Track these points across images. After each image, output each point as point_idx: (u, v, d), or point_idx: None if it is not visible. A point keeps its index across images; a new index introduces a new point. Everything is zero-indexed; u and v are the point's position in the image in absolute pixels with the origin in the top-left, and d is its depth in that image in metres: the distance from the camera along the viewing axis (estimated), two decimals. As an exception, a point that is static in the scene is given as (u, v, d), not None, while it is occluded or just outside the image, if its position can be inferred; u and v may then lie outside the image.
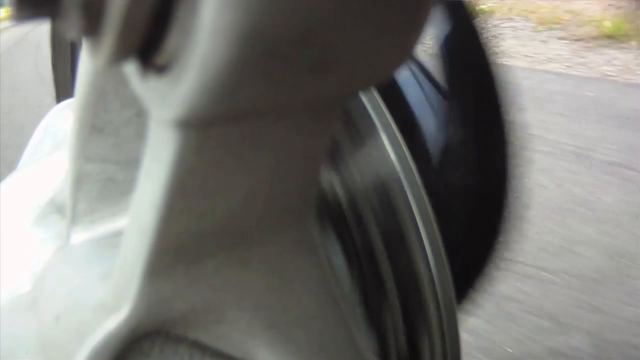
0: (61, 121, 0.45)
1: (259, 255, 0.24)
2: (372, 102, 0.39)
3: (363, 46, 0.17)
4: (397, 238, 0.37)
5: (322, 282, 0.27)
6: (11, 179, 0.40)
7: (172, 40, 0.16)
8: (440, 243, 0.37)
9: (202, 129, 0.18)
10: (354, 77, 0.18)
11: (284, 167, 0.22)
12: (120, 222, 0.33)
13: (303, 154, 0.22)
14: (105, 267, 0.29)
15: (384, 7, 0.16)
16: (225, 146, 0.19)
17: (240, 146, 0.20)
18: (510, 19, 4.49)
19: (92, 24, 0.16)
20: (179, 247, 0.23)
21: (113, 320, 0.25)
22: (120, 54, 0.16)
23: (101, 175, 0.32)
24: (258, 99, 0.17)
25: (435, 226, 0.37)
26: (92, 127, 0.30)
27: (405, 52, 0.18)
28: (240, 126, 0.19)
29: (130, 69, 0.19)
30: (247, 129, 0.19)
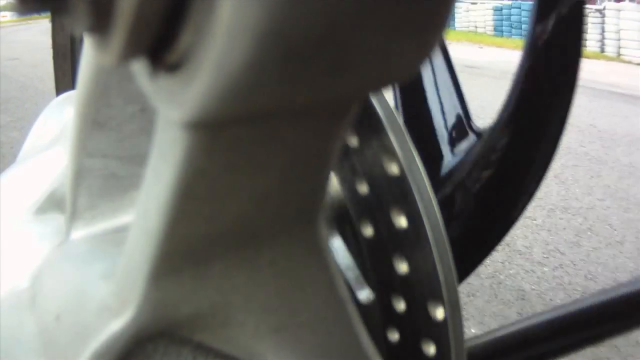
0: (61, 114, 0.44)
1: (268, 258, 0.24)
2: (379, 100, 0.39)
3: (382, 46, 0.16)
4: (405, 234, 0.37)
5: (330, 285, 0.26)
6: (10, 172, 0.39)
7: (185, 38, 0.15)
8: (444, 239, 0.37)
9: (213, 130, 0.18)
10: (372, 77, 0.17)
11: (297, 169, 0.21)
12: (121, 218, 0.33)
13: (316, 155, 0.21)
14: (107, 265, 0.28)
15: (404, 7, 0.16)
16: (238, 148, 0.19)
17: (253, 148, 0.19)
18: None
19: (101, 20, 0.15)
20: (186, 250, 0.22)
21: (117, 322, 0.24)
22: (130, 51, 0.15)
23: (103, 170, 0.32)
24: (274, 100, 0.16)
25: (440, 222, 0.37)
26: (94, 122, 0.29)
27: (424, 53, 0.18)
28: (253, 127, 0.18)
29: (139, 66, 0.18)
30: (260, 130, 0.18)
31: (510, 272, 2.29)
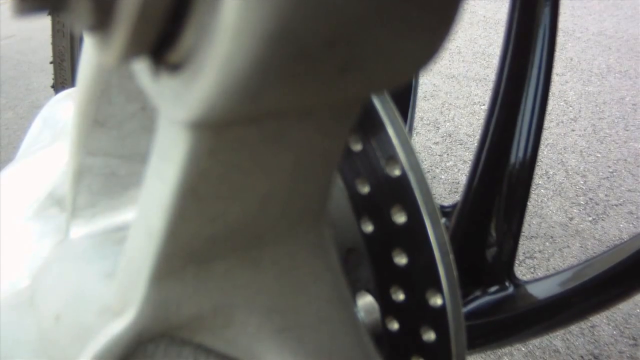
0: (61, 111, 0.43)
1: (272, 257, 0.24)
2: (379, 97, 0.39)
3: (391, 45, 0.16)
4: (406, 230, 0.37)
5: (334, 285, 0.26)
6: (10, 170, 0.39)
7: (188, 37, 0.15)
8: (444, 234, 0.37)
9: (217, 130, 0.17)
10: (380, 76, 0.17)
11: (301, 170, 0.21)
12: (121, 216, 0.33)
13: (321, 154, 0.21)
14: (107, 264, 0.28)
15: (412, 6, 0.15)
16: (242, 148, 0.18)
17: (258, 148, 0.19)
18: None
19: (103, 18, 0.15)
20: (188, 251, 0.22)
21: (118, 324, 0.24)
22: (132, 51, 0.15)
23: (103, 169, 0.31)
24: (282, 101, 0.16)
25: (439, 218, 0.37)
26: (95, 121, 0.29)
27: (433, 51, 0.17)
28: (258, 127, 0.18)
29: (140, 66, 0.18)
30: (266, 130, 0.18)
31: (448, 164, 2.07)
